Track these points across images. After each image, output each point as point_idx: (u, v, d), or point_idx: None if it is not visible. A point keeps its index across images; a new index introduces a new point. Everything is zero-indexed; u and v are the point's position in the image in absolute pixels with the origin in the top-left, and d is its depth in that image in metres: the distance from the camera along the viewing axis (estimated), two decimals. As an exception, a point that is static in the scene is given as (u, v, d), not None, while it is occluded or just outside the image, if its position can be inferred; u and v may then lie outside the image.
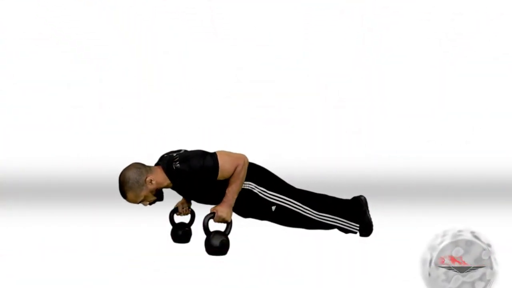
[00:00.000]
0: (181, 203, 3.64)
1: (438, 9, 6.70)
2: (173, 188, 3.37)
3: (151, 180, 3.21)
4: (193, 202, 3.69)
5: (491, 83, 6.70)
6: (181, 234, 3.60)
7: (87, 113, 6.68)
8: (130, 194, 3.21)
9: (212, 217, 3.27)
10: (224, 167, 3.24)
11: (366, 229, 3.76)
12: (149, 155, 6.33)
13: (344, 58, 6.69)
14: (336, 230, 3.92)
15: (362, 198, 3.84)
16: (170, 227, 3.65)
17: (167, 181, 3.27)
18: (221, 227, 3.36)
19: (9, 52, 6.71)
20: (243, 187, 3.40)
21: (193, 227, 3.66)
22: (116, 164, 6.28)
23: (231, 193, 3.28)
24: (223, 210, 3.26)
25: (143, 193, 3.21)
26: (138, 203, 3.26)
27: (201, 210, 3.55)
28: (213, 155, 3.25)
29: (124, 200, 5.00)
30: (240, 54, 6.59)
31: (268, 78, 6.44)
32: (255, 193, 3.44)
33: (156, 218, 4.10)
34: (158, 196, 3.30)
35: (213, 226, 3.32)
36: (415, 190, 5.67)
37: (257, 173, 3.48)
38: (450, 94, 6.71)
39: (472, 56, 6.66)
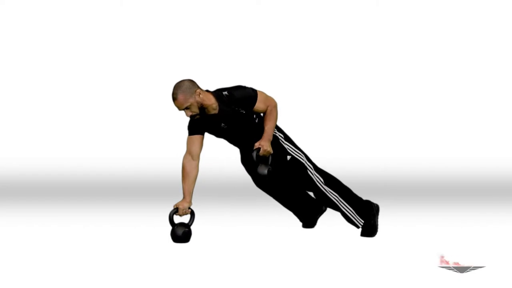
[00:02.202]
0: (180, 203, 3.65)
1: (438, 9, 6.69)
2: (210, 117, 3.63)
3: (199, 93, 3.57)
4: (192, 202, 3.68)
5: (491, 83, 6.70)
6: (181, 234, 3.60)
7: (87, 113, 6.68)
8: (180, 96, 3.54)
9: (258, 151, 3.54)
10: (261, 99, 3.66)
11: (369, 230, 3.75)
12: (149, 155, 6.37)
13: (344, 58, 6.69)
14: (336, 229, 3.92)
15: (375, 204, 3.83)
16: (170, 227, 3.64)
17: (211, 102, 3.61)
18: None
19: (9, 52, 6.71)
20: None
21: (193, 227, 3.65)
22: (116, 164, 6.33)
23: (270, 129, 3.64)
24: (266, 144, 3.57)
25: (191, 100, 3.55)
26: (183, 108, 3.57)
27: (201, 208, 3.55)
28: (254, 89, 3.69)
29: (123, 201, 5.00)
30: (240, 54, 6.59)
31: (268, 78, 6.44)
32: (276, 136, 3.77)
33: (156, 218, 4.10)
34: (200, 113, 3.59)
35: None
36: (415, 190, 5.67)
37: (278, 126, 3.83)
38: (450, 94, 6.71)
39: (472, 56, 6.66)
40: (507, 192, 5.52)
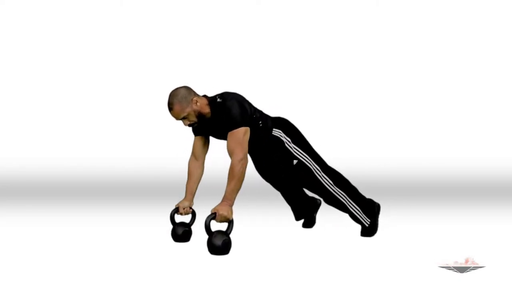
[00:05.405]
0: (181, 202, 3.65)
1: (438, 9, 6.70)
2: (207, 121, 3.52)
3: (196, 101, 3.45)
4: (194, 202, 3.69)
5: (491, 83, 6.71)
6: (181, 233, 3.60)
7: (87, 113, 6.68)
8: (176, 107, 3.43)
9: (214, 218, 3.27)
10: (236, 137, 3.38)
11: (370, 230, 3.76)
12: (149, 155, 6.38)
13: (344, 58, 6.69)
14: (336, 229, 3.92)
15: (377, 204, 3.83)
16: (170, 226, 3.64)
17: (207, 109, 3.49)
18: (222, 226, 3.36)
19: (9, 52, 6.72)
20: (273, 133, 3.64)
21: (193, 227, 3.66)
22: (116, 164, 6.33)
23: (230, 192, 3.31)
24: (224, 209, 3.28)
25: (188, 109, 3.44)
26: (180, 118, 3.46)
27: (202, 208, 3.55)
28: (243, 122, 3.40)
29: (124, 201, 5.01)
30: (240, 54, 6.60)
31: (268, 78, 6.44)
32: (282, 140, 3.65)
33: (155, 218, 4.11)
34: (199, 120, 3.49)
35: (215, 226, 3.32)
36: (415, 190, 5.67)
37: (287, 126, 3.72)
38: (450, 94, 6.71)
39: (472, 56, 6.67)
40: (507, 192, 5.52)
